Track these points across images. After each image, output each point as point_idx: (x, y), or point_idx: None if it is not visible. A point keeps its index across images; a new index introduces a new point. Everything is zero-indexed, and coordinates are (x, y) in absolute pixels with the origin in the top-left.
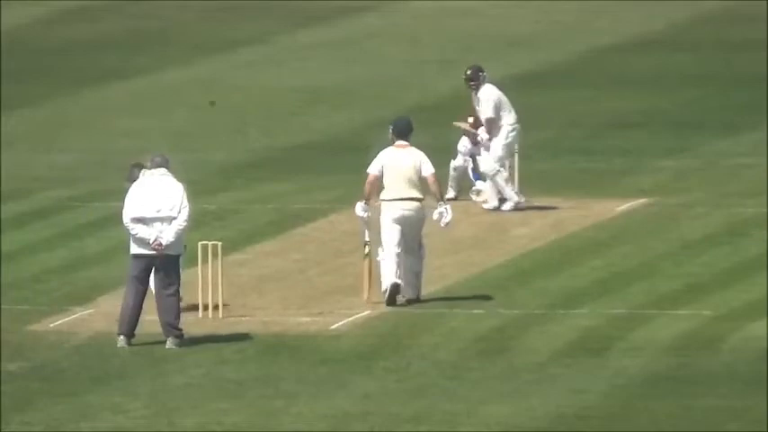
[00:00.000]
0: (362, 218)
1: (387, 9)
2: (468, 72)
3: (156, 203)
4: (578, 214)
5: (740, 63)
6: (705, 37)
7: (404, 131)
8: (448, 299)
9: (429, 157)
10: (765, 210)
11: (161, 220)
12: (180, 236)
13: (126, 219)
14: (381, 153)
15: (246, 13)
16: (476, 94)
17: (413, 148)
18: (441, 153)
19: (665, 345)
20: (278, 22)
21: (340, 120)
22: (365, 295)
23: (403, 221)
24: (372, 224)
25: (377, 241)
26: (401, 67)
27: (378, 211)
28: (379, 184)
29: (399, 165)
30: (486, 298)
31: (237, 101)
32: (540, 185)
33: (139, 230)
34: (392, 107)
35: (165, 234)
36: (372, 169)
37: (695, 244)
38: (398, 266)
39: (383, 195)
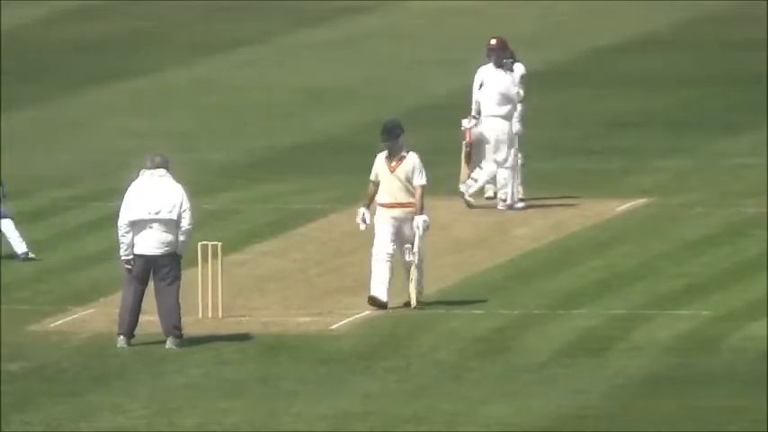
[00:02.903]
0: (365, 225)
1: (387, 9)
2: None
3: (155, 205)
4: (578, 214)
5: (740, 63)
6: (705, 37)
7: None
8: (447, 299)
9: (428, 157)
10: (765, 210)
11: (160, 221)
12: (189, 237)
13: (122, 221)
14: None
15: (246, 13)
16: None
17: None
18: (440, 153)
19: (665, 345)
20: (278, 22)
21: (340, 120)
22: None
23: (396, 224)
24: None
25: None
26: (401, 67)
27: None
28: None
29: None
30: (486, 298)
31: (237, 101)
32: (540, 185)
33: (130, 237)
34: (392, 107)
35: (180, 246)
36: (374, 176)
37: (695, 244)
38: (389, 274)
39: (378, 199)
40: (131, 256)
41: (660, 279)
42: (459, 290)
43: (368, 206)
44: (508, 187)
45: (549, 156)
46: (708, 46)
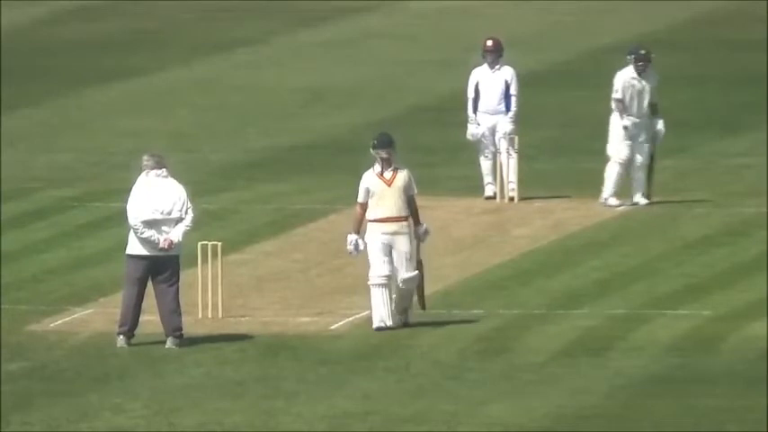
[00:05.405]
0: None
1: (387, 9)
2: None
3: (165, 205)
4: (578, 214)
5: (740, 63)
6: (705, 37)
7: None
8: (448, 299)
9: (428, 157)
10: (765, 210)
11: (170, 222)
12: (185, 236)
13: (135, 221)
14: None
15: (246, 13)
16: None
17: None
18: (441, 153)
19: (665, 345)
20: (278, 22)
21: (340, 120)
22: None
23: (389, 240)
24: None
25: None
26: (401, 67)
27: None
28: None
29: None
30: (486, 298)
31: (237, 101)
32: (541, 185)
33: (147, 232)
34: (392, 107)
35: (173, 234)
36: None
37: (695, 244)
38: (389, 300)
39: (371, 216)
40: (159, 239)
41: (660, 279)
42: (460, 290)
43: (358, 231)
44: (638, 184)
45: (549, 155)
46: (708, 46)
